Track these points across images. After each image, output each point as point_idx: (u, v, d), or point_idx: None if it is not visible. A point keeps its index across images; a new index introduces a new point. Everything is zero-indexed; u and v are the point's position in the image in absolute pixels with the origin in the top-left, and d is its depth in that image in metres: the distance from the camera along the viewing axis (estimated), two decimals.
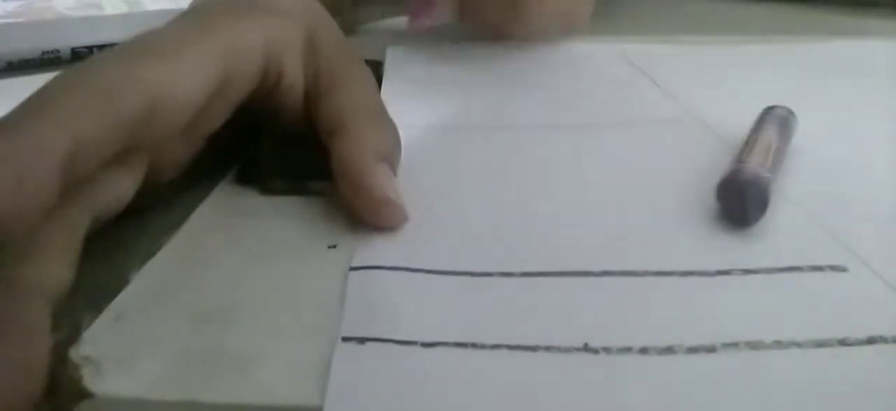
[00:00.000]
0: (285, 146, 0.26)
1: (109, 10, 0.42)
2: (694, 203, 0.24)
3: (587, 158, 0.29)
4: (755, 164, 0.24)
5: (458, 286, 0.20)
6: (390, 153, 0.24)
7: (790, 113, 0.29)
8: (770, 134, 0.27)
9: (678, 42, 0.45)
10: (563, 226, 0.23)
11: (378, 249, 0.22)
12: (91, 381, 0.16)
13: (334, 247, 0.22)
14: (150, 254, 0.21)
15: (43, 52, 0.40)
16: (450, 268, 0.21)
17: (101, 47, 0.41)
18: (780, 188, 0.25)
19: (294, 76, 0.26)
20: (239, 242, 0.22)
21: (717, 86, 0.38)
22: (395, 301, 0.19)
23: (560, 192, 0.26)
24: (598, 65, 0.41)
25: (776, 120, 0.28)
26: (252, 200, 0.25)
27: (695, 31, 0.48)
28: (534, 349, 0.17)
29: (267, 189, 0.25)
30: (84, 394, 0.16)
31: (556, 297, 0.20)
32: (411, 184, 0.25)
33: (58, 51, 0.41)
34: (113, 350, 0.17)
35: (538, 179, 0.27)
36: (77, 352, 0.17)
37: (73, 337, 0.18)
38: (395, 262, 0.21)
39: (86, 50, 0.41)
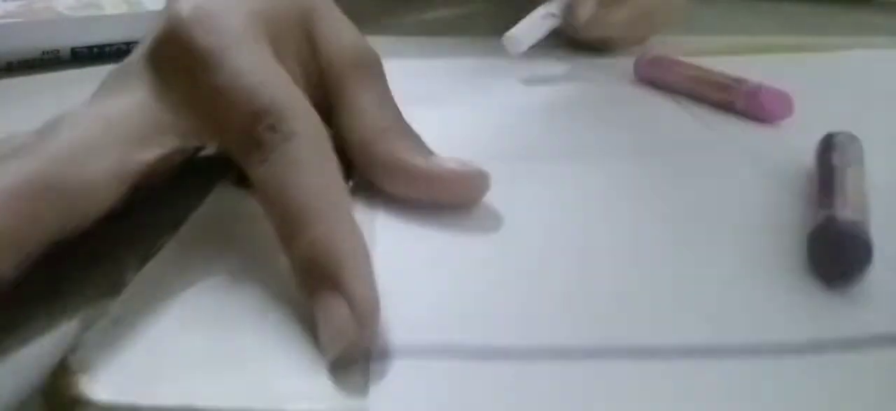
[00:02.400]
0: None
1: (109, 10, 0.42)
2: (768, 253, 0.21)
3: (619, 195, 0.26)
4: (849, 212, 0.20)
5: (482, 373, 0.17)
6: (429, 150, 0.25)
7: (854, 139, 0.26)
8: (855, 171, 0.23)
9: (712, 52, 0.40)
10: (601, 288, 0.20)
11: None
12: (87, 387, 0.16)
13: None
14: (148, 256, 0.21)
15: (43, 52, 0.40)
16: (477, 345, 0.18)
17: (100, 47, 0.41)
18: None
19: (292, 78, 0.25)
20: (237, 244, 0.22)
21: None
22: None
23: (603, 237, 0.23)
24: (608, 83, 0.38)
25: (848, 151, 0.24)
26: (251, 202, 0.25)
27: (704, 31, 0.48)
28: None
29: None
30: (80, 401, 0.16)
31: (599, 383, 0.17)
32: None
33: (58, 51, 0.40)
34: (109, 355, 0.17)
35: (574, 218, 0.24)
36: (73, 358, 0.17)
37: (72, 342, 0.17)
38: (421, 344, 0.18)
39: (85, 50, 0.41)
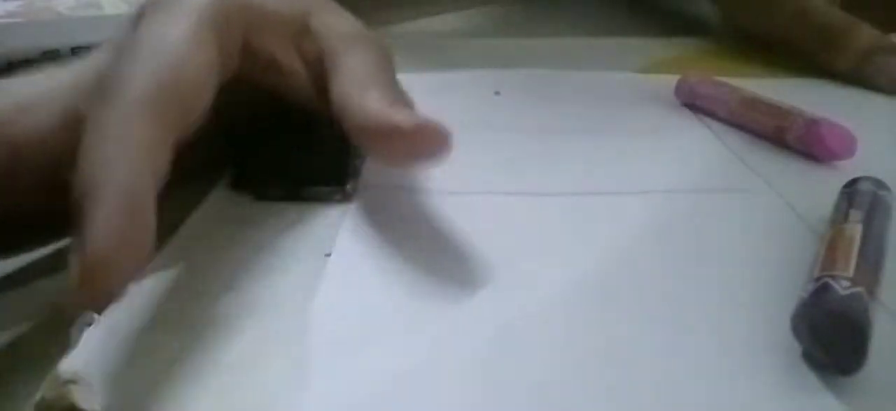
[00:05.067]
0: (280, 151, 0.26)
1: (109, 9, 0.42)
2: (764, 334, 0.18)
3: (616, 242, 0.23)
4: (835, 281, 0.17)
5: None
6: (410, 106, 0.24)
7: (877, 184, 0.22)
8: (851, 226, 0.20)
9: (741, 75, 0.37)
10: (568, 366, 0.18)
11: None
12: (80, 398, 0.16)
13: (330, 254, 0.22)
14: None
15: (43, 52, 0.40)
16: None
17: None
18: (887, 310, 0.19)
19: (289, 60, 0.25)
20: (233, 250, 0.22)
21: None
22: None
23: (569, 306, 0.20)
24: (646, 106, 0.35)
25: (859, 200, 0.21)
26: (246, 207, 0.25)
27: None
28: None
29: (261, 195, 0.25)
30: None
31: None
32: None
33: (58, 51, 0.40)
34: (102, 365, 0.17)
35: (551, 267, 0.22)
36: (65, 368, 0.17)
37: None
38: None
39: (86, 49, 0.41)
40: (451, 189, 0.26)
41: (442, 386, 0.17)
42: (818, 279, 0.18)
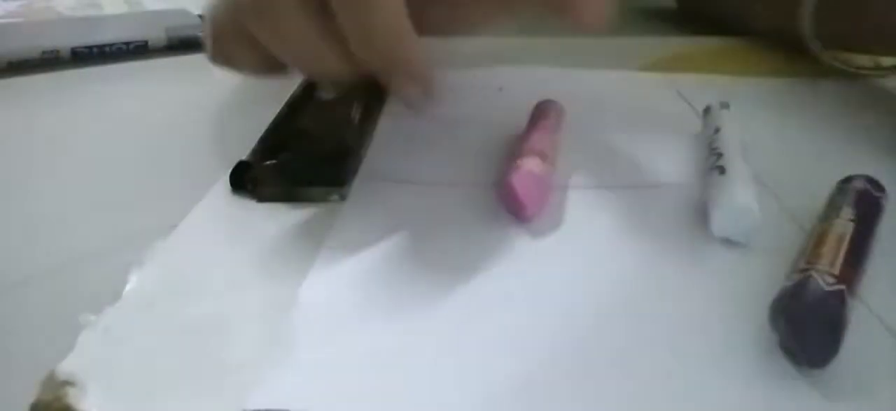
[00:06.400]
0: (279, 152, 0.26)
1: (109, 9, 0.42)
2: (743, 330, 0.19)
3: (581, 244, 0.23)
4: (820, 276, 0.17)
5: None
6: None
7: (872, 184, 0.22)
8: (843, 223, 0.20)
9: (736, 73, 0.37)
10: (549, 360, 0.18)
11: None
12: (75, 399, 0.16)
13: None
14: (139, 262, 0.21)
15: (43, 52, 0.40)
16: None
17: (100, 47, 0.41)
18: (866, 306, 0.19)
19: None
20: (230, 250, 0.22)
21: (795, 134, 0.31)
22: None
23: (548, 302, 0.20)
24: (645, 103, 0.35)
25: (853, 198, 0.21)
26: (246, 207, 0.25)
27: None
28: None
29: (261, 195, 0.25)
30: None
31: None
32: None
33: (58, 51, 0.40)
34: (99, 366, 0.17)
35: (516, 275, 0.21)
36: (62, 369, 0.17)
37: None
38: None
39: (85, 50, 0.41)
40: (450, 181, 0.26)
41: (427, 376, 0.17)
42: (803, 271, 0.18)
